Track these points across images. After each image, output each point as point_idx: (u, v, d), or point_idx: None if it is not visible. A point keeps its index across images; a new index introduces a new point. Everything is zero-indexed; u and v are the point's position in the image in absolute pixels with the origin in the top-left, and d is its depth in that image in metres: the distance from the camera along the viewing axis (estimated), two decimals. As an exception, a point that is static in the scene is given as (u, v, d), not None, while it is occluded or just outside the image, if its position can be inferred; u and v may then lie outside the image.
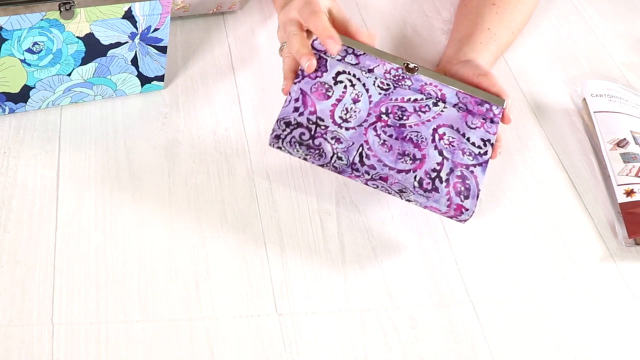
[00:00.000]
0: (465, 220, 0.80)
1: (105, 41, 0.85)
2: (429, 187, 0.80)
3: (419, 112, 0.83)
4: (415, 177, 0.80)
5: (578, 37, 1.13)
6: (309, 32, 0.87)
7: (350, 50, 0.85)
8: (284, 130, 0.81)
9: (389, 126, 0.82)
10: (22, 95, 0.86)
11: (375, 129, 0.82)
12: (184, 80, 0.95)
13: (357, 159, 0.80)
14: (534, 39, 1.11)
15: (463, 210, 0.79)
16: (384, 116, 0.82)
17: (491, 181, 0.91)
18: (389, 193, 0.82)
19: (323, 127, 0.81)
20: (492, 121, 0.84)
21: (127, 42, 0.86)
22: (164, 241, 0.79)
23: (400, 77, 0.85)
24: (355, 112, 0.82)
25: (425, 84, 0.85)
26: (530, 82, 1.04)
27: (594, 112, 0.98)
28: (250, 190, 0.85)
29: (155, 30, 0.86)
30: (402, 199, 0.82)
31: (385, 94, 0.84)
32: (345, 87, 0.83)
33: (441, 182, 0.80)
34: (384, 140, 0.81)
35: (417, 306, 0.78)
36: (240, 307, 0.75)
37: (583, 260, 0.85)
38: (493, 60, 0.99)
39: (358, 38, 0.86)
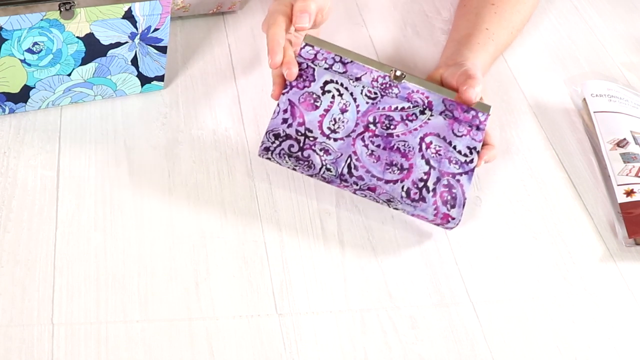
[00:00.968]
0: (451, 228, 0.81)
1: (105, 41, 0.85)
2: (416, 197, 0.80)
3: (406, 121, 0.84)
4: (402, 187, 0.80)
5: (578, 37, 1.13)
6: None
7: (337, 59, 0.86)
8: (273, 142, 0.81)
9: (377, 136, 0.83)
10: (22, 95, 0.86)
11: (363, 139, 0.82)
12: (184, 80, 0.95)
13: (345, 170, 0.81)
14: (534, 39, 1.11)
15: (449, 219, 0.80)
16: (371, 126, 0.83)
17: (491, 181, 0.91)
18: (377, 202, 0.82)
19: (312, 139, 0.82)
20: (478, 128, 0.84)
21: (127, 42, 0.86)
22: (164, 241, 0.79)
23: (388, 85, 0.85)
24: (343, 122, 0.83)
25: (412, 91, 0.85)
26: (530, 82, 1.04)
27: (594, 112, 0.98)
28: (250, 190, 0.85)
29: (155, 30, 0.86)
30: (389, 207, 0.82)
31: (372, 103, 0.84)
32: (333, 97, 0.84)
33: (428, 191, 0.81)
34: (372, 151, 0.82)
35: (417, 306, 0.78)
36: (240, 307, 0.75)
37: (583, 260, 0.85)
38: (491, 60, 0.99)
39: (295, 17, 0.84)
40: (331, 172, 0.81)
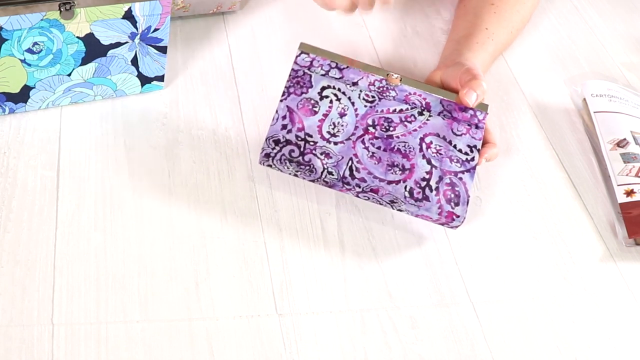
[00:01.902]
0: (456, 227, 0.81)
1: (105, 41, 0.85)
2: (420, 196, 0.80)
3: (405, 122, 0.84)
4: (405, 187, 0.81)
5: (578, 37, 1.13)
6: None
7: (333, 65, 0.87)
8: (273, 149, 0.81)
9: (377, 138, 0.83)
10: (22, 95, 0.86)
11: (363, 142, 0.82)
12: (184, 80, 0.95)
13: (347, 173, 0.81)
14: (534, 39, 1.11)
15: (454, 217, 0.80)
16: (371, 128, 0.83)
17: (491, 181, 0.91)
18: (381, 204, 0.82)
19: (312, 143, 0.82)
20: (477, 127, 0.85)
21: (127, 42, 0.86)
22: (164, 241, 0.79)
23: (385, 89, 0.86)
24: (342, 126, 0.83)
25: (410, 93, 0.86)
26: (530, 82, 1.04)
27: (594, 112, 0.98)
28: (250, 190, 0.85)
29: (155, 30, 0.86)
30: (393, 209, 0.83)
31: (370, 106, 0.85)
32: (331, 101, 0.84)
33: (431, 190, 0.81)
34: (373, 153, 0.82)
35: (417, 306, 0.78)
36: (240, 307, 0.75)
37: (583, 260, 0.85)
38: (491, 60, 0.99)
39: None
40: (333, 175, 0.81)
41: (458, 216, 0.80)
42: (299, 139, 0.82)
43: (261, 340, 0.73)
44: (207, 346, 0.72)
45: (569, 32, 1.14)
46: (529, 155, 0.95)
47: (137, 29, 0.85)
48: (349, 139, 0.83)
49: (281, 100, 0.84)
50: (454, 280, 0.81)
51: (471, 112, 0.86)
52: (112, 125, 0.89)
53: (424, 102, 0.86)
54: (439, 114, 0.85)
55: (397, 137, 0.83)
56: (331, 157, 0.81)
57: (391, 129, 0.84)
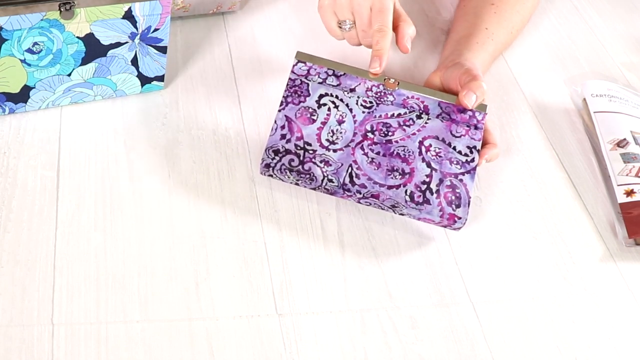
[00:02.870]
0: (459, 229, 0.81)
1: (105, 41, 0.85)
2: (420, 199, 0.80)
3: (404, 127, 0.84)
4: (406, 191, 0.81)
5: (578, 37, 1.13)
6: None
7: (330, 72, 0.87)
8: (273, 159, 0.82)
9: (376, 143, 0.83)
10: (22, 96, 0.86)
11: (362, 148, 0.83)
12: (184, 80, 0.95)
13: (347, 180, 0.81)
14: (534, 39, 1.11)
15: (456, 219, 0.80)
16: (369, 134, 0.84)
17: (491, 181, 0.91)
18: (382, 209, 0.83)
19: (311, 152, 0.82)
20: (476, 127, 0.85)
21: (127, 42, 0.86)
22: (164, 241, 0.79)
23: (382, 93, 0.86)
24: (341, 133, 0.83)
25: (407, 97, 0.86)
26: (530, 82, 1.04)
27: (594, 112, 0.98)
28: (250, 190, 0.85)
29: (155, 30, 0.86)
30: (395, 213, 0.83)
31: (369, 112, 0.85)
32: (329, 109, 0.85)
33: (432, 193, 0.81)
34: (372, 158, 0.82)
35: (417, 306, 0.78)
36: (240, 307, 0.75)
37: (583, 260, 0.85)
38: (491, 59, 0.99)
39: (400, 36, 0.89)
40: (333, 182, 0.81)
41: (460, 218, 0.80)
42: (298, 148, 0.82)
43: (261, 340, 0.73)
44: (207, 346, 0.72)
45: (569, 32, 1.14)
46: (529, 155, 0.95)
47: (137, 29, 0.85)
48: (348, 145, 0.83)
49: (279, 110, 0.85)
50: (454, 280, 0.81)
51: (470, 113, 0.86)
52: (112, 125, 0.89)
53: (422, 105, 0.86)
54: (437, 117, 0.85)
55: (396, 141, 0.84)
56: (331, 165, 0.82)
57: (390, 133, 0.84)
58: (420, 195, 0.81)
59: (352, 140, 0.83)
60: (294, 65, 0.88)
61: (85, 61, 0.85)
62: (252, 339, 0.73)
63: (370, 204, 0.83)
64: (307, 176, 0.81)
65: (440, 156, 0.83)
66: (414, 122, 0.85)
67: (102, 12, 0.82)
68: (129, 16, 0.83)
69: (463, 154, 0.83)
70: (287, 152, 0.82)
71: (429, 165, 0.82)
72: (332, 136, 0.83)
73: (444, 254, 0.83)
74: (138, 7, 0.83)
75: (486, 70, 0.99)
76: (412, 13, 1.12)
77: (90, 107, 0.90)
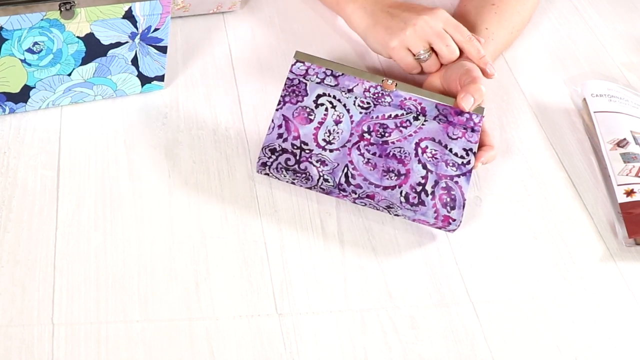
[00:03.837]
0: (453, 231, 0.82)
1: (105, 41, 0.85)
2: (415, 201, 0.81)
3: (401, 128, 0.84)
4: (401, 192, 0.81)
5: (578, 37, 1.13)
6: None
7: (328, 72, 0.88)
8: (269, 158, 0.82)
9: (372, 144, 0.83)
10: (22, 95, 0.86)
11: (358, 149, 0.83)
12: (184, 80, 0.95)
13: (343, 180, 0.81)
14: (534, 39, 1.11)
15: (450, 220, 0.80)
16: (366, 135, 0.84)
17: (491, 181, 0.91)
18: (377, 209, 0.83)
19: (307, 151, 0.82)
20: (472, 130, 0.85)
21: (127, 42, 0.86)
22: (164, 241, 0.79)
23: (380, 94, 0.86)
24: (337, 133, 0.83)
25: (405, 98, 0.86)
26: (530, 82, 1.04)
27: (594, 112, 0.98)
28: (250, 190, 0.85)
29: (156, 30, 0.86)
30: (390, 214, 0.83)
31: (366, 113, 0.85)
32: (326, 109, 0.85)
33: (427, 195, 0.81)
34: (368, 159, 0.82)
35: (417, 306, 0.78)
36: (240, 307, 0.75)
37: (583, 260, 0.85)
38: (491, 59, 0.98)
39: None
40: (329, 182, 0.81)
41: (454, 220, 0.80)
42: (295, 147, 0.82)
43: (261, 340, 0.73)
44: (207, 346, 0.72)
45: (569, 32, 1.14)
46: (529, 155, 0.95)
47: (137, 28, 0.85)
48: (344, 146, 0.83)
49: (277, 109, 0.85)
50: (454, 280, 0.81)
51: (467, 115, 0.86)
52: (112, 125, 0.89)
53: (419, 107, 0.86)
54: (434, 119, 0.86)
55: (393, 142, 0.84)
56: (327, 165, 0.82)
57: (386, 134, 0.84)
58: (415, 197, 0.81)
59: (348, 141, 0.84)
60: (292, 65, 0.88)
61: (85, 61, 0.85)
62: (252, 339, 0.73)
63: (366, 205, 0.83)
64: (303, 175, 0.82)
65: (436, 158, 0.83)
66: (410, 123, 0.85)
67: (102, 12, 0.82)
68: (129, 16, 0.83)
69: (459, 156, 0.84)
70: (284, 151, 0.82)
71: (424, 166, 0.83)
72: (328, 136, 0.83)
73: (444, 254, 0.83)
74: (138, 7, 0.83)
75: (486, 70, 0.99)
76: (412, 13, 1.12)
77: (91, 107, 0.90)
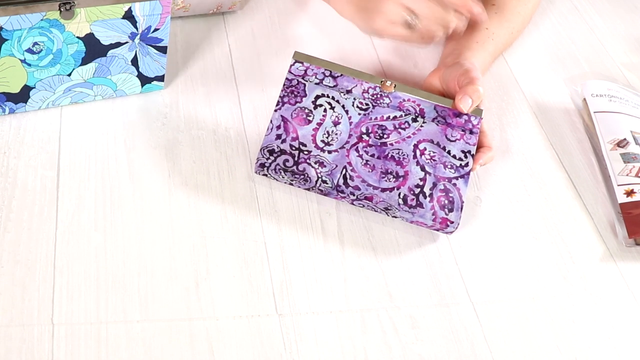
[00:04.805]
0: (451, 233, 0.82)
1: (105, 41, 0.85)
2: (414, 203, 0.81)
3: (399, 130, 0.84)
4: (399, 194, 0.81)
5: (578, 37, 1.13)
6: None
7: (327, 73, 0.88)
8: (267, 159, 0.82)
9: (371, 146, 0.83)
10: (22, 96, 0.86)
11: (357, 150, 0.83)
12: (184, 80, 0.95)
13: (341, 181, 0.81)
14: (534, 39, 1.11)
15: (448, 223, 0.80)
16: (364, 136, 0.84)
17: (491, 181, 0.91)
18: (375, 211, 0.83)
19: (306, 152, 0.82)
20: (471, 132, 0.85)
21: (127, 42, 0.86)
22: (164, 241, 0.79)
23: (379, 96, 0.86)
24: (336, 134, 0.83)
25: (404, 100, 0.86)
26: (530, 82, 1.04)
27: (594, 112, 0.98)
28: (250, 190, 0.85)
29: (156, 30, 0.86)
30: (388, 215, 0.83)
31: (364, 114, 0.85)
32: (325, 110, 0.85)
33: (425, 197, 0.81)
34: (367, 161, 0.82)
35: (417, 306, 0.78)
36: (240, 307, 0.75)
37: (583, 260, 0.85)
38: (491, 59, 0.99)
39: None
40: (327, 184, 0.81)
41: (452, 222, 0.81)
42: (293, 148, 0.82)
43: (261, 340, 0.73)
44: (207, 346, 0.72)
45: (569, 32, 1.14)
46: (529, 155, 0.95)
47: (137, 29, 0.85)
48: (342, 147, 0.83)
49: (275, 110, 0.85)
50: (454, 280, 0.81)
51: (465, 117, 0.86)
52: (112, 125, 0.89)
53: (417, 109, 0.86)
54: (433, 120, 0.86)
55: (391, 144, 0.84)
56: (325, 166, 0.82)
57: (385, 136, 0.84)
58: (413, 199, 0.81)
59: (347, 142, 0.84)
60: (291, 66, 0.88)
61: (85, 61, 0.85)
62: (252, 339, 0.73)
63: (364, 206, 0.83)
64: (301, 177, 0.82)
65: (434, 160, 0.83)
66: (409, 125, 0.85)
67: (102, 12, 0.82)
68: (129, 16, 0.83)
69: (457, 158, 0.84)
70: (282, 152, 0.82)
71: (422, 168, 0.83)
72: (327, 137, 0.83)
73: (444, 254, 0.83)
74: (138, 7, 0.83)
75: (486, 70, 0.99)
76: (412, 13, 1.12)
77: (90, 107, 0.90)
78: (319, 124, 0.84)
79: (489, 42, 0.97)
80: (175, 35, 1.01)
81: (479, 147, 0.86)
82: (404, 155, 0.83)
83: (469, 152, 0.84)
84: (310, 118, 0.84)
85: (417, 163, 0.83)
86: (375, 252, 0.82)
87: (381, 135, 0.84)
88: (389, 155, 0.83)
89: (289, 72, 0.87)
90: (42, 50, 0.82)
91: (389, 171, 0.82)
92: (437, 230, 0.82)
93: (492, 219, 0.87)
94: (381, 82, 0.87)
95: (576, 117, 1.00)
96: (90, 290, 0.74)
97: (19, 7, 0.78)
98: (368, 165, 0.82)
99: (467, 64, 0.90)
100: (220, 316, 0.74)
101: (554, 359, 0.76)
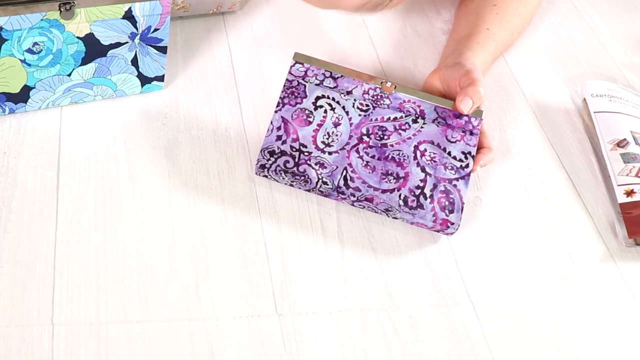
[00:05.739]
0: (451, 234, 0.82)
1: (105, 41, 0.85)
2: (414, 204, 0.81)
3: (400, 131, 0.84)
4: (399, 195, 0.81)
5: (578, 37, 1.13)
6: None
7: (327, 74, 0.88)
8: (268, 160, 0.82)
9: (371, 147, 0.83)
10: (22, 96, 0.86)
11: (357, 151, 0.83)
12: (184, 80, 0.95)
13: (341, 183, 0.81)
14: (534, 39, 1.11)
15: (449, 224, 0.80)
16: (365, 137, 0.84)
17: (491, 181, 0.91)
18: (376, 212, 0.83)
19: (306, 154, 0.82)
20: (471, 133, 0.85)
21: (127, 42, 0.86)
22: (164, 241, 0.79)
23: (379, 97, 0.86)
24: (336, 135, 0.83)
25: (404, 101, 0.86)
26: (530, 82, 1.04)
27: (594, 112, 0.98)
28: (250, 190, 0.85)
29: (155, 30, 0.86)
30: (388, 217, 0.83)
31: (365, 115, 0.85)
32: (325, 111, 0.85)
33: (425, 198, 0.81)
34: (367, 162, 0.82)
35: (417, 306, 0.78)
36: (240, 307, 0.75)
37: (583, 260, 0.85)
38: (492, 60, 0.99)
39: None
40: (328, 185, 0.81)
41: (452, 223, 0.81)
42: (294, 149, 0.82)
43: (261, 340, 0.73)
44: (207, 346, 0.72)
45: (569, 32, 1.14)
46: (529, 155, 0.95)
47: (137, 29, 0.85)
48: (343, 148, 0.83)
49: (276, 111, 0.85)
50: (454, 280, 0.81)
51: (465, 118, 0.86)
52: (112, 125, 0.89)
53: (418, 110, 0.86)
54: (433, 121, 0.86)
55: (392, 145, 0.84)
56: (326, 167, 0.82)
57: (385, 137, 0.84)
58: (414, 200, 0.81)
59: (347, 143, 0.84)
60: (291, 66, 0.88)
61: (85, 61, 0.85)
62: (252, 339, 0.73)
63: (364, 207, 0.83)
64: (302, 178, 0.82)
65: (435, 161, 0.83)
66: (409, 126, 0.85)
67: (102, 12, 0.82)
68: (129, 16, 0.83)
69: (458, 159, 0.84)
70: (283, 153, 0.82)
71: (423, 170, 0.83)
72: (327, 138, 0.83)
73: (444, 254, 0.83)
74: (138, 7, 0.83)
75: (487, 70, 0.99)
76: (412, 13, 1.12)
77: (90, 107, 0.90)
78: (320, 125, 0.84)
79: (489, 43, 0.97)
80: (175, 35, 1.01)
81: (479, 148, 0.86)
82: (404, 156, 0.83)
83: (469, 153, 0.84)
84: (311, 119, 0.84)
85: (418, 164, 0.83)
86: (375, 252, 0.82)
87: (381, 136, 0.84)
88: (390, 156, 0.83)
89: (289, 73, 0.87)
90: (42, 50, 0.82)
91: (390, 172, 0.82)
92: (438, 231, 0.82)
93: (492, 219, 0.87)
94: (381, 83, 0.87)
95: (576, 117, 1.00)
96: (90, 291, 0.74)
97: (19, 7, 0.78)
98: (368, 167, 0.82)
99: (468, 65, 0.90)
100: (220, 316, 0.74)
101: (554, 359, 0.76)
